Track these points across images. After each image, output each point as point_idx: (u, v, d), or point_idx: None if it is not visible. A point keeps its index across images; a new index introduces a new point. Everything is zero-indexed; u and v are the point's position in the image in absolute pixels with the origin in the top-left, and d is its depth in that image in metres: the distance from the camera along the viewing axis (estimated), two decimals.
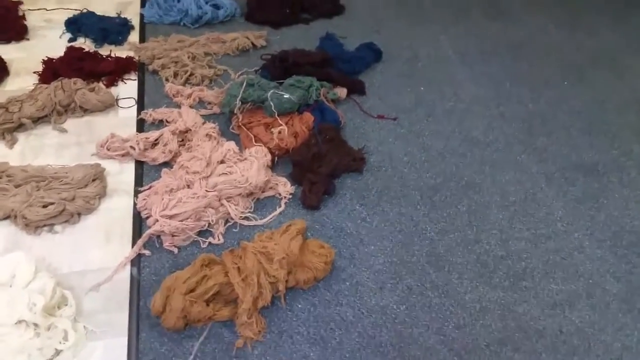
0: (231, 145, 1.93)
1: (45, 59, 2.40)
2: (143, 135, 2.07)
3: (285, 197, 1.92)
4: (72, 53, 2.40)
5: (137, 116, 2.23)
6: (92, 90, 2.23)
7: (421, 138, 2.25)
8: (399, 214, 1.93)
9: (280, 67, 2.32)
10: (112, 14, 2.80)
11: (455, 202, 1.99)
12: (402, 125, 2.31)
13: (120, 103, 2.29)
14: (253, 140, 2.03)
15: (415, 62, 2.68)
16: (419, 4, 3.14)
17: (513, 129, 2.33)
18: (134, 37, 2.68)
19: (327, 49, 2.59)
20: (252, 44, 2.64)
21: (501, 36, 2.91)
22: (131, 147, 2.02)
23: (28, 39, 2.62)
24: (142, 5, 2.88)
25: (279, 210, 1.89)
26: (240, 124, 2.11)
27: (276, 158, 2.04)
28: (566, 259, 1.82)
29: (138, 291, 1.66)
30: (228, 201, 1.82)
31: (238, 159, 1.90)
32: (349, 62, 2.51)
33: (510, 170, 2.13)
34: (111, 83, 2.36)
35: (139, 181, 1.97)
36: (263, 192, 1.92)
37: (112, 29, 2.61)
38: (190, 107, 2.27)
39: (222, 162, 1.89)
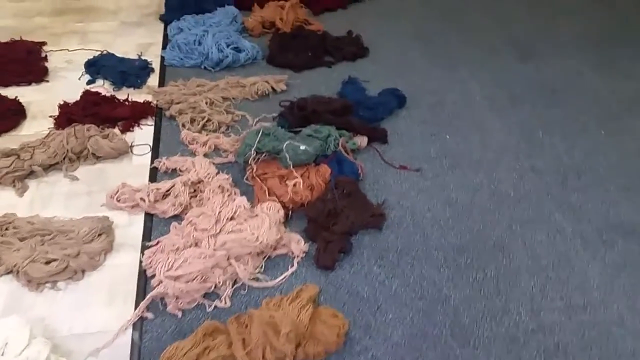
0: (242, 201, 1.84)
1: (62, 102, 2.37)
2: (154, 185, 2.00)
3: (298, 255, 1.81)
4: (88, 97, 2.37)
5: (151, 164, 2.17)
6: (106, 137, 2.18)
7: (446, 191, 2.12)
8: (420, 277, 1.80)
9: (298, 115, 2.23)
10: (133, 55, 2.78)
11: (482, 266, 1.84)
12: (426, 177, 2.19)
13: (135, 150, 2.23)
14: (267, 194, 1.94)
15: (441, 108, 2.57)
16: (446, 45, 3.04)
17: (545, 183, 2.18)
18: (153, 80, 2.64)
19: (349, 94, 2.50)
20: (272, 88, 2.57)
21: (533, 80, 2.78)
22: (141, 198, 1.95)
23: (48, 81, 2.61)
24: (164, 47, 2.86)
25: (291, 270, 1.78)
26: (254, 175, 2.02)
27: (290, 212, 1.94)
28: (603, 334, 1.65)
29: (139, 357, 1.56)
30: (237, 261, 1.72)
31: (249, 215, 1.80)
32: (371, 109, 2.41)
33: (542, 230, 1.98)
34: (127, 128, 2.31)
35: (147, 235, 1.89)
36: (275, 250, 1.82)
37: (131, 72, 2.58)
38: (206, 155, 2.20)
39: (232, 218, 1.79)
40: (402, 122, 2.47)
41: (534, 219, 2.02)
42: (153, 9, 3.19)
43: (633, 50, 3.05)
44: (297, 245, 1.83)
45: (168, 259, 1.67)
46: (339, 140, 2.13)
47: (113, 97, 2.43)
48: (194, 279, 1.64)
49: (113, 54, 2.71)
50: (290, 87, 2.64)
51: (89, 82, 2.58)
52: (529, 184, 2.17)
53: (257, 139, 2.03)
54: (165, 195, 1.98)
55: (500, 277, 1.81)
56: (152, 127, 2.35)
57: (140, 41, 2.91)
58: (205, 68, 2.71)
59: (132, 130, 2.33)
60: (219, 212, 1.77)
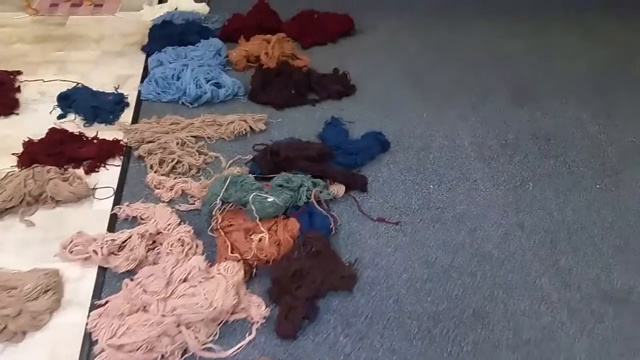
0: (198, 261, 1.70)
1: (27, 140, 2.26)
2: (110, 236, 1.87)
3: (257, 322, 1.67)
4: (54, 135, 2.26)
5: (112, 209, 2.04)
6: (67, 179, 2.06)
7: (425, 249, 1.98)
8: (390, 350, 1.65)
9: (271, 162, 2.11)
10: (111, 87, 2.68)
11: (459, 338, 1.69)
12: (405, 231, 2.05)
13: (97, 193, 2.11)
14: (229, 249, 1.80)
15: (426, 153, 2.43)
16: (437, 84, 2.91)
17: (533, 243, 2.03)
18: (127, 115, 2.52)
19: (329, 137, 2.38)
20: (250, 127, 2.45)
21: (526, 126, 2.64)
22: (94, 251, 1.82)
23: (17, 114, 2.50)
24: (143, 79, 2.75)
25: (248, 338, 1.64)
26: (218, 227, 1.89)
27: (254, 270, 1.81)
28: None
29: None
30: (188, 328, 1.58)
31: (204, 277, 1.66)
32: (351, 154, 2.28)
33: (526, 297, 1.83)
34: (92, 169, 2.20)
35: (98, 292, 1.76)
36: (232, 314, 1.67)
37: (103, 107, 2.47)
38: (172, 200, 2.07)
39: (185, 280, 1.65)
40: (384, 168, 2.33)
41: (518, 284, 1.87)
42: (137, 39, 3.09)
43: (635, 95, 2.90)
44: (258, 309, 1.68)
45: (112, 324, 1.54)
46: (312, 190, 1.99)
47: (80, 135, 2.32)
48: (137, 349, 1.51)
49: (87, 88, 2.61)
50: (270, 126, 2.52)
51: (59, 117, 2.47)
52: (515, 244, 2.02)
53: (224, 188, 1.90)
54: (122, 247, 1.85)
55: (477, 351, 1.66)
56: (119, 168, 2.23)
57: (120, 72, 2.81)
58: (182, 104, 2.59)
59: (98, 171, 2.21)
60: (170, 273, 1.64)
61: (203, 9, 3.40)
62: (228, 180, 1.93)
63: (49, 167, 2.07)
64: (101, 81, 2.72)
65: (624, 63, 3.17)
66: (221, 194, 1.89)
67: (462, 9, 3.67)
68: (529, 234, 2.07)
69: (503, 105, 2.78)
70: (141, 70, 2.82)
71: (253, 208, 1.85)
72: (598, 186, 2.31)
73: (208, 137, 2.39)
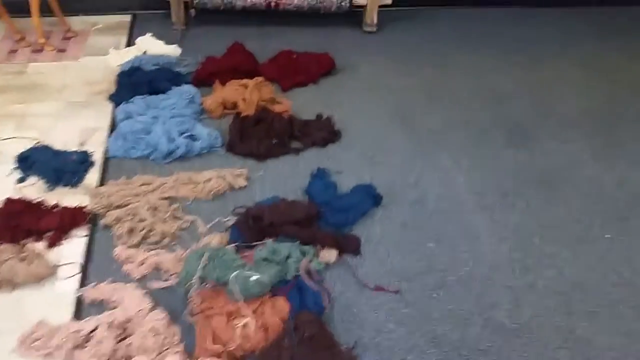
0: None
1: None
2: (75, 326, 1.63)
3: None
4: (10, 207, 2.02)
5: (78, 290, 1.80)
6: (24, 259, 1.82)
7: (430, 323, 1.78)
8: None
9: (254, 228, 1.90)
10: (75, 142, 2.45)
11: None
12: (407, 300, 1.85)
13: (60, 271, 1.87)
14: (209, 340, 1.58)
15: (422, 206, 2.24)
16: (428, 126, 2.74)
17: (546, 307, 1.84)
18: (94, 174, 2.29)
19: (316, 192, 2.18)
20: (230, 184, 2.24)
21: (527, 170, 2.47)
22: (57, 345, 1.58)
23: None
24: (110, 132, 2.53)
25: None
26: (196, 312, 1.66)
27: None
28: None
29: None
30: None
31: None
32: (341, 211, 2.09)
33: None
34: (54, 242, 1.96)
35: None
36: None
37: (67, 168, 2.24)
38: (143, 277, 1.84)
39: None
40: (378, 225, 2.14)
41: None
42: (103, 87, 2.87)
43: (638, 131, 2.76)
44: None
45: None
46: (301, 261, 1.78)
47: (40, 204, 2.07)
48: None
49: (47, 147, 2.37)
50: (251, 181, 2.31)
51: (19, 180, 2.23)
52: (528, 310, 1.83)
53: (201, 265, 1.68)
54: (88, 338, 1.61)
55: None
56: (85, 240, 1.99)
57: (85, 125, 2.58)
58: (154, 160, 2.38)
59: (61, 244, 1.97)
60: None
61: (174, 51, 3.20)
62: (206, 256, 1.71)
63: (4, 246, 1.83)
64: (64, 137, 2.49)
65: (624, 97, 3.04)
66: (198, 272, 1.67)
67: (448, 43, 3.53)
68: (541, 297, 1.88)
69: (499, 146, 2.62)
70: (108, 123, 2.60)
71: (236, 288, 1.63)
72: (608, 236, 2.14)
73: (183, 198, 2.18)
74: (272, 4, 3.41)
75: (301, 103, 2.85)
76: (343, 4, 3.45)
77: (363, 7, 3.53)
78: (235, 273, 1.65)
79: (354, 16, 3.61)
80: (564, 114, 2.87)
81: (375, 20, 3.55)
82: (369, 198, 2.18)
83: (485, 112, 2.86)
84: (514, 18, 3.89)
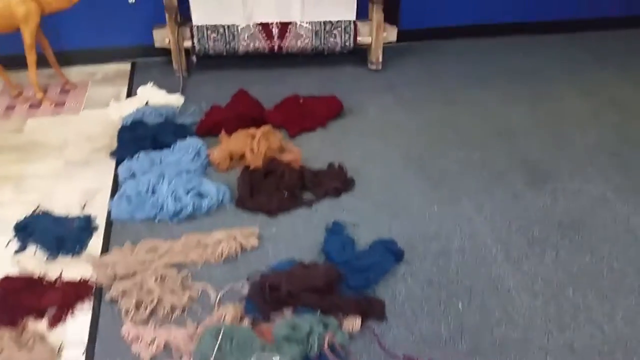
0: None
1: None
2: None
3: None
4: (8, 285, 1.89)
5: None
6: (25, 345, 1.69)
7: None
8: None
9: (270, 299, 1.77)
10: (76, 206, 2.34)
11: None
12: None
13: (64, 354, 1.74)
14: None
15: (447, 259, 2.11)
16: (444, 169, 2.62)
17: None
18: (97, 240, 2.18)
19: (334, 251, 2.05)
20: (241, 245, 2.12)
21: (550, 213, 2.35)
22: None
23: None
24: (114, 192, 2.42)
25: None
26: None
27: None
28: None
29: None
30: None
31: None
32: (362, 271, 1.96)
33: None
34: (57, 320, 1.83)
35: None
36: None
37: (68, 236, 2.12)
38: (154, 357, 1.70)
39: None
40: (401, 284, 2.01)
41: None
42: (105, 142, 2.77)
43: None
44: None
45: None
46: (325, 336, 1.65)
47: (40, 280, 1.95)
48: None
49: (47, 213, 2.26)
50: (263, 240, 2.19)
51: (17, 250, 2.12)
52: None
53: (216, 347, 1.55)
54: None
55: None
56: (90, 316, 1.86)
57: (87, 186, 2.47)
58: (160, 221, 2.26)
59: (64, 322, 1.84)
60: None
61: (177, 100, 3.12)
62: (220, 335, 1.58)
63: (1, 330, 1.70)
64: (65, 200, 2.38)
65: (635, 126, 2.95)
66: (213, 354, 1.54)
67: (454, 77, 3.46)
68: (581, 357, 1.74)
69: (519, 187, 2.50)
70: (111, 182, 2.49)
71: None
72: None
73: (192, 263, 2.05)
74: (275, 47, 3.34)
75: (311, 150, 2.75)
76: (347, 43, 3.38)
77: (367, 45, 3.46)
78: (254, 357, 1.51)
79: (358, 53, 3.54)
80: (578, 149, 2.77)
81: (380, 58, 3.48)
82: (389, 254, 2.06)
83: (499, 151, 2.76)
84: (515, 47, 3.86)
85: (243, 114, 2.84)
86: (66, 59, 3.49)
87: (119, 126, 2.85)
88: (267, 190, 2.38)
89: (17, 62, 3.11)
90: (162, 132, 2.68)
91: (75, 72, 3.49)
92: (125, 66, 3.56)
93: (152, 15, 3.36)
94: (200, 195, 2.31)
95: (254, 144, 2.59)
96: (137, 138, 2.65)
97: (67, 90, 3.27)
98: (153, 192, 2.28)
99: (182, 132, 2.72)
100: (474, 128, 2.95)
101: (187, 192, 2.28)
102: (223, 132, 2.73)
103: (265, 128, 2.70)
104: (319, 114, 2.95)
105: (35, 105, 3.11)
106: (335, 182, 2.45)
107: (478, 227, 2.28)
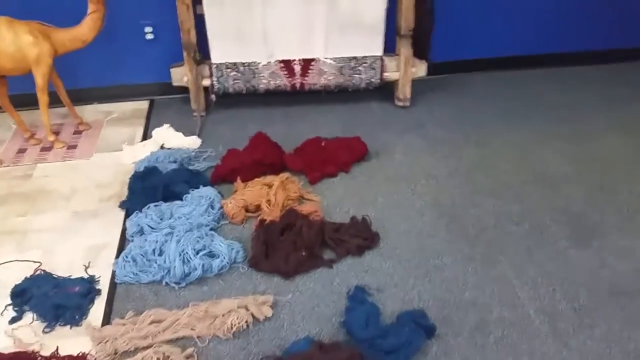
0: None
1: None
2: None
3: None
4: None
5: None
6: None
7: None
8: None
9: None
10: (79, 263, 2.18)
11: None
12: None
13: None
14: None
15: (485, 335, 1.87)
16: (477, 222, 2.39)
17: None
18: (99, 306, 2.00)
19: (356, 325, 1.83)
20: (253, 316, 1.92)
21: (599, 277, 2.08)
22: None
23: None
24: (120, 248, 2.25)
25: None
26: None
27: None
28: None
29: None
30: None
31: None
32: (389, 354, 1.73)
33: None
34: None
35: None
36: None
37: (69, 303, 1.95)
38: None
39: None
40: None
41: None
42: (115, 190, 2.63)
43: None
44: None
45: None
46: None
47: (34, 356, 1.78)
48: None
49: (47, 275, 2.10)
50: (278, 309, 1.98)
51: (13, 320, 1.95)
52: None
53: None
54: None
55: None
56: None
57: (92, 242, 2.31)
58: (167, 284, 2.08)
59: None
60: None
61: (193, 143, 2.96)
62: None
63: None
64: (69, 257, 2.22)
65: None
66: None
67: (486, 114, 3.24)
68: None
69: (562, 244, 2.25)
70: (118, 237, 2.33)
71: None
72: None
73: (198, 337, 1.86)
74: (297, 85, 3.17)
75: (332, 198, 2.55)
76: (373, 80, 3.19)
77: (395, 80, 3.26)
78: None
79: (385, 87, 3.34)
80: (625, 198, 2.52)
81: (408, 94, 3.28)
82: (419, 330, 1.82)
83: (539, 201, 2.51)
84: (550, 79, 3.65)
85: (261, 159, 2.66)
86: (82, 96, 3.40)
87: (131, 173, 2.70)
88: (284, 248, 2.18)
89: (31, 101, 3.00)
90: (174, 180, 2.51)
91: (91, 111, 3.38)
92: (143, 104, 3.44)
93: (171, 51, 3.23)
94: (211, 255, 2.13)
95: (270, 195, 2.41)
96: (148, 188, 2.49)
97: (80, 131, 3.15)
98: (160, 252, 2.11)
99: (195, 180, 2.56)
100: (509, 173, 2.71)
101: (197, 253, 2.10)
102: (239, 180, 2.56)
103: (283, 176, 2.52)
104: (342, 158, 2.76)
105: (47, 148, 2.99)
106: (358, 238, 2.24)
107: (518, 293, 2.03)
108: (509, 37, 3.63)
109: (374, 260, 2.20)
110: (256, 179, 2.53)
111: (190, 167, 2.72)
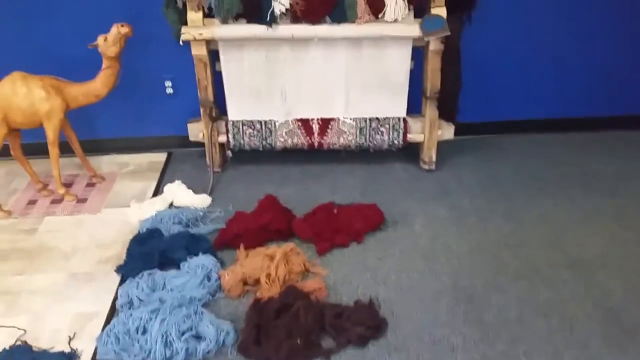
0: None
1: None
2: None
3: None
4: None
5: None
6: None
7: None
8: None
9: None
10: (65, 333, 2.05)
11: None
12: None
13: None
14: None
15: None
16: (499, 312, 2.13)
17: None
18: None
19: None
20: None
21: None
22: None
23: None
24: (108, 319, 2.12)
25: None
26: None
27: None
28: None
29: None
30: None
31: None
32: None
33: None
34: None
35: None
36: None
37: None
38: None
39: None
40: None
41: None
42: (115, 251, 2.52)
43: None
44: None
45: None
46: None
47: None
48: None
49: (27, 349, 1.97)
50: None
51: None
52: None
53: None
54: None
55: None
56: None
57: (82, 309, 2.19)
58: None
59: None
60: None
61: (203, 201, 2.84)
62: None
63: None
64: (56, 325, 2.11)
65: None
66: None
67: (516, 183, 2.98)
68: None
69: (596, 347, 1.96)
70: (109, 306, 2.20)
71: None
72: None
73: None
74: (315, 144, 3.03)
75: (340, 272, 2.36)
76: (396, 142, 3.01)
77: (420, 142, 3.07)
78: None
79: (410, 148, 3.14)
80: None
81: (434, 158, 3.07)
82: None
83: (571, 289, 2.23)
84: (591, 145, 3.34)
85: (267, 225, 2.51)
86: (101, 147, 3.37)
87: (135, 232, 2.60)
88: (278, 333, 1.99)
89: (45, 150, 2.96)
90: (173, 246, 2.38)
91: (107, 162, 3.33)
92: (161, 156, 3.37)
93: (190, 105, 3.15)
94: (198, 336, 1.96)
95: (271, 268, 2.23)
96: (145, 253, 2.36)
97: (93, 183, 3.09)
98: (144, 331, 1.95)
99: (196, 245, 2.41)
100: (540, 254, 2.45)
101: (182, 334, 1.93)
102: (242, 247, 2.40)
103: (288, 247, 2.35)
104: (355, 227, 2.56)
105: (58, 200, 2.94)
106: (361, 326, 2.02)
107: None
108: (544, 98, 3.39)
109: (378, 354, 1.97)
110: (259, 248, 2.38)
111: (195, 230, 2.59)
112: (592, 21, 3.18)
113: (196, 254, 2.35)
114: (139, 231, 2.60)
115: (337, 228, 2.55)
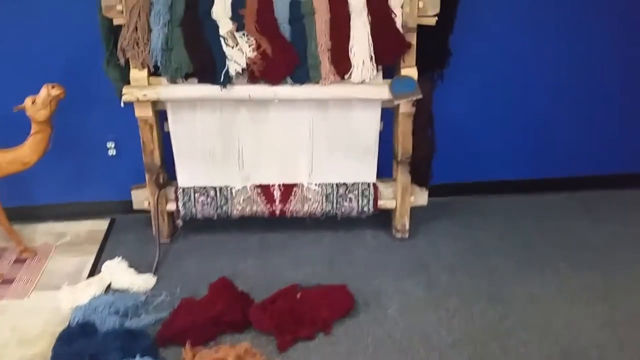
0: None
1: None
2: None
3: None
4: None
5: None
6: None
7: None
8: None
9: None
10: None
11: None
12: None
13: None
14: None
15: None
16: None
17: None
18: None
19: None
20: None
21: None
22: None
23: None
24: None
25: None
26: None
27: None
28: None
29: None
30: None
31: None
32: None
33: None
34: None
35: None
36: None
37: None
38: None
39: None
40: None
41: None
42: (40, 349, 2.10)
43: None
44: None
45: None
46: None
47: None
48: None
49: None
50: None
51: None
52: None
53: None
54: None
55: None
56: None
57: None
58: None
59: None
60: None
61: (146, 282, 2.48)
62: None
63: None
64: None
65: None
66: None
67: (500, 253, 2.70)
68: None
69: None
70: None
71: None
72: None
73: None
74: (277, 212, 2.72)
75: None
76: (365, 209, 2.73)
77: (391, 209, 2.80)
78: None
79: (381, 214, 2.86)
80: None
81: (407, 226, 2.80)
82: None
83: None
84: (571, 207, 3.10)
85: (219, 316, 2.17)
86: (38, 213, 2.99)
87: (65, 322, 2.23)
88: None
89: None
90: (107, 348, 2.01)
91: (42, 231, 2.93)
92: (102, 224, 2.99)
93: (135, 168, 2.81)
94: None
95: None
96: (72, 355, 1.99)
97: (23, 259, 2.70)
98: None
99: (134, 344, 2.04)
100: (531, 345, 2.16)
101: None
102: (188, 346, 2.05)
103: (242, 347, 2.00)
104: (322, 315, 2.24)
105: None
106: None
107: None
108: (525, 157, 3.17)
109: None
110: (206, 351, 2.02)
111: (135, 321, 2.22)
112: (571, 79, 2.99)
113: (133, 356, 1.98)
114: (69, 323, 2.22)
115: (301, 317, 2.22)
